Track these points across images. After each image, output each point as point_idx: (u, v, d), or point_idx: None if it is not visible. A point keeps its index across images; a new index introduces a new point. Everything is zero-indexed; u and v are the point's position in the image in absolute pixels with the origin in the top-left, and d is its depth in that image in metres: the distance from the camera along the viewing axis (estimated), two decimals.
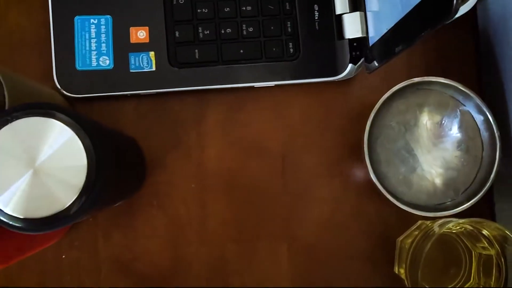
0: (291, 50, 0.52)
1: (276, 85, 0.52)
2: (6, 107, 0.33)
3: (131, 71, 0.51)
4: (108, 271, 0.52)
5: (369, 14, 0.49)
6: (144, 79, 0.52)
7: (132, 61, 0.51)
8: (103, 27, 0.51)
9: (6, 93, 0.33)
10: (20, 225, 0.32)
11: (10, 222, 0.32)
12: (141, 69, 0.51)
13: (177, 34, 0.52)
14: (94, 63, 0.51)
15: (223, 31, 0.52)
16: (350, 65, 0.51)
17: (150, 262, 0.52)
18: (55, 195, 0.32)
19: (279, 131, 0.53)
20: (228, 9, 0.52)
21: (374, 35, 0.48)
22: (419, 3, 0.35)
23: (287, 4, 0.52)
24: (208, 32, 0.52)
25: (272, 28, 0.52)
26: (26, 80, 0.40)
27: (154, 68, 0.52)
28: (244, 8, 0.52)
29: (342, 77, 0.52)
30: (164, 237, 0.52)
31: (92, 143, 0.32)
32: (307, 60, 0.52)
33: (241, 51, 0.52)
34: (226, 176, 0.53)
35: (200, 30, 0.52)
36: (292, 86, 0.53)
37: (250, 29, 0.52)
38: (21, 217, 0.32)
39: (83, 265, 0.51)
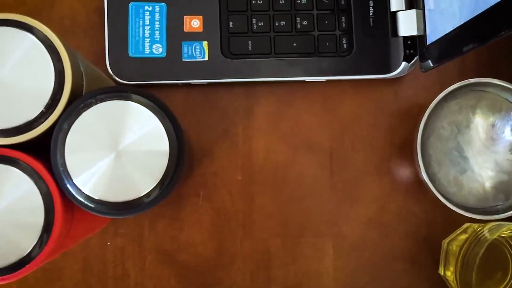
0: (345, 45, 0.52)
1: (327, 80, 0.52)
2: (84, 91, 0.33)
3: (183, 60, 0.51)
4: (152, 260, 0.52)
5: (427, 12, 0.48)
6: (196, 68, 0.51)
7: (185, 50, 0.51)
8: (157, 14, 0.51)
9: (84, 76, 0.33)
10: (95, 207, 0.32)
11: (86, 202, 0.32)
12: (194, 58, 0.51)
13: (230, 24, 0.52)
14: (147, 51, 0.51)
15: (277, 24, 0.52)
16: (403, 63, 0.51)
17: (194, 253, 0.52)
18: (134, 181, 0.32)
19: (328, 126, 0.53)
20: (283, 1, 0.52)
21: (432, 33, 0.47)
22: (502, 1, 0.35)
23: None
24: (262, 24, 0.52)
25: (326, 22, 0.52)
26: (90, 63, 0.40)
27: (206, 58, 0.51)
28: (299, 1, 0.52)
29: (394, 75, 0.51)
30: (209, 229, 0.52)
31: (174, 130, 0.32)
32: (360, 56, 0.52)
33: (294, 44, 0.52)
34: (273, 169, 0.52)
35: (254, 22, 0.52)
36: (343, 82, 0.52)
37: (304, 23, 0.52)
38: (98, 198, 0.32)
39: (128, 253, 0.51)
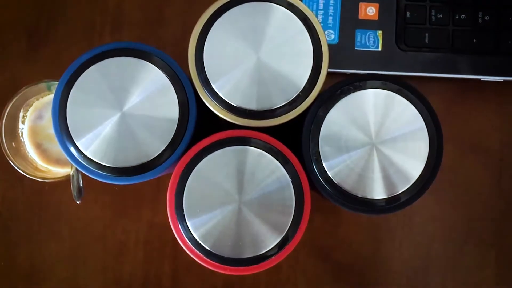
0: None
1: (505, 81, 0.48)
2: None
3: (356, 48, 0.49)
4: (306, 255, 0.49)
5: None
6: (368, 58, 0.49)
7: (358, 38, 0.49)
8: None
9: None
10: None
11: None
12: (367, 47, 0.48)
13: (408, 14, 0.49)
14: None
15: (457, 17, 0.49)
16: None
17: (350, 251, 0.49)
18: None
19: (500, 130, 0.50)
20: None
21: None
22: None
23: None
24: (441, 15, 0.49)
25: (511, 19, 0.48)
26: None
27: (380, 48, 0.48)
28: None
29: None
30: (367, 227, 0.49)
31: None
32: None
33: (474, 40, 0.49)
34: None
35: (433, 13, 0.49)
36: None
37: (487, 18, 0.48)
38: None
39: None
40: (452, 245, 0.49)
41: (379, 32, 0.49)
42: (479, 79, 0.49)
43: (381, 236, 0.49)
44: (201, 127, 0.33)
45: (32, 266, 0.48)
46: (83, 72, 0.30)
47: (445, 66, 0.48)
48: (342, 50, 0.49)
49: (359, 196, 0.30)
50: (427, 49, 0.48)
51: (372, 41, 0.49)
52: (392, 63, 0.49)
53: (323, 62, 0.30)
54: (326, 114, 0.30)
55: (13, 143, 0.43)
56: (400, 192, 0.30)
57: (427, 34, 0.49)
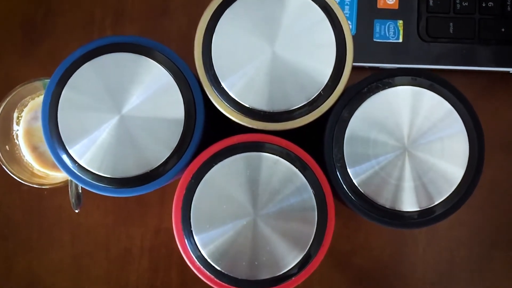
0: None
1: None
2: None
3: (374, 40, 0.45)
4: (323, 261, 0.46)
5: None
6: (388, 51, 0.45)
7: (377, 29, 0.45)
8: None
9: None
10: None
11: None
12: (386, 39, 0.45)
13: (430, 2, 0.45)
14: None
15: (483, 4, 0.45)
16: None
17: (370, 257, 0.46)
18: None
19: None
20: None
21: None
22: None
23: None
24: (466, 3, 0.45)
25: None
26: None
27: (400, 40, 0.45)
28: None
29: None
30: (387, 232, 0.46)
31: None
32: None
33: (502, 29, 0.45)
34: None
35: (457, 1, 0.45)
36: None
37: None
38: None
39: None
40: (478, 250, 0.47)
41: (400, 22, 0.46)
42: (508, 72, 0.46)
43: (403, 241, 0.47)
44: (209, 131, 0.30)
45: (31, 276, 0.46)
46: (76, 70, 0.27)
47: (471, 58, 0.45)
48: (359, 42, 0.46)
49: (388, 207, 0.26)
50: (452, 40, 0.45)
51: (392, 32, 0.45)
52: (413, 56, 0.46)
53: (347, 55, 0.27)
54: (352, 115, 0.27)
55: (7, 146, 0.40)
56: (435, 204, 0.26)
57: (451, 24, 0.46)
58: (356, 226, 0.47)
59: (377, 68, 0.46)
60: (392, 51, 0.45)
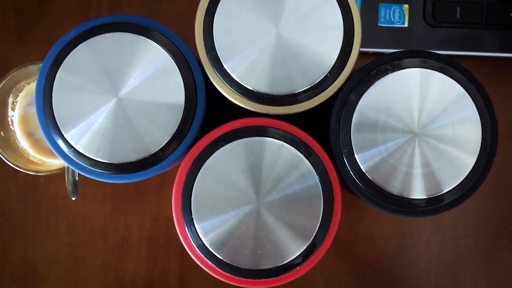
0: None
1: None
2: None
3: (379, 25, 0.44)
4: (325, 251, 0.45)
5: None
6: (393, 36, 0.44)
7: (382, 14, 0.44)
8: None
9: None
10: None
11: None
12: (391, 24, 0.44)
13: None
14: None
15: None
16: None
17: (373, 246, 0.45)
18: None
19: None
20: None
21: None
22: None
23: None
24: None
25: None
26: None
27: (406, 24, 0.44)
28: None
29: None
30: (391, 221, 0.45)
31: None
32: None
33: (511, 14, 0.44)
34: None
35: None
36: None
37: None
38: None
39: None
40: (484, 240, 0.46)
41: (405, 6, 0.44)
42: None
43: (407, 231, 0.46)
44: (211, 115, 0.29)
45: (27, 266, 0.45)
46: (71, 51, 0.26)
47: (477, 44, 0.44)
48: (364, 27, 0.44)
49: (396, 195, 0.25)
50: (459, 24, 0.44)
51: (397, 17, 0.44)
52: (419, 41, 0.44)
53: (355, 36, 0.26)
54: (359, 98, 0.25)
55: (2, 133, 0.39)
56: (444, 192, 0.25)
57: (458, 8, 0.44)
58: (359, 215, 0.46)
59: (382, 53, 0.45)
60: (397, 36, 0.44)
